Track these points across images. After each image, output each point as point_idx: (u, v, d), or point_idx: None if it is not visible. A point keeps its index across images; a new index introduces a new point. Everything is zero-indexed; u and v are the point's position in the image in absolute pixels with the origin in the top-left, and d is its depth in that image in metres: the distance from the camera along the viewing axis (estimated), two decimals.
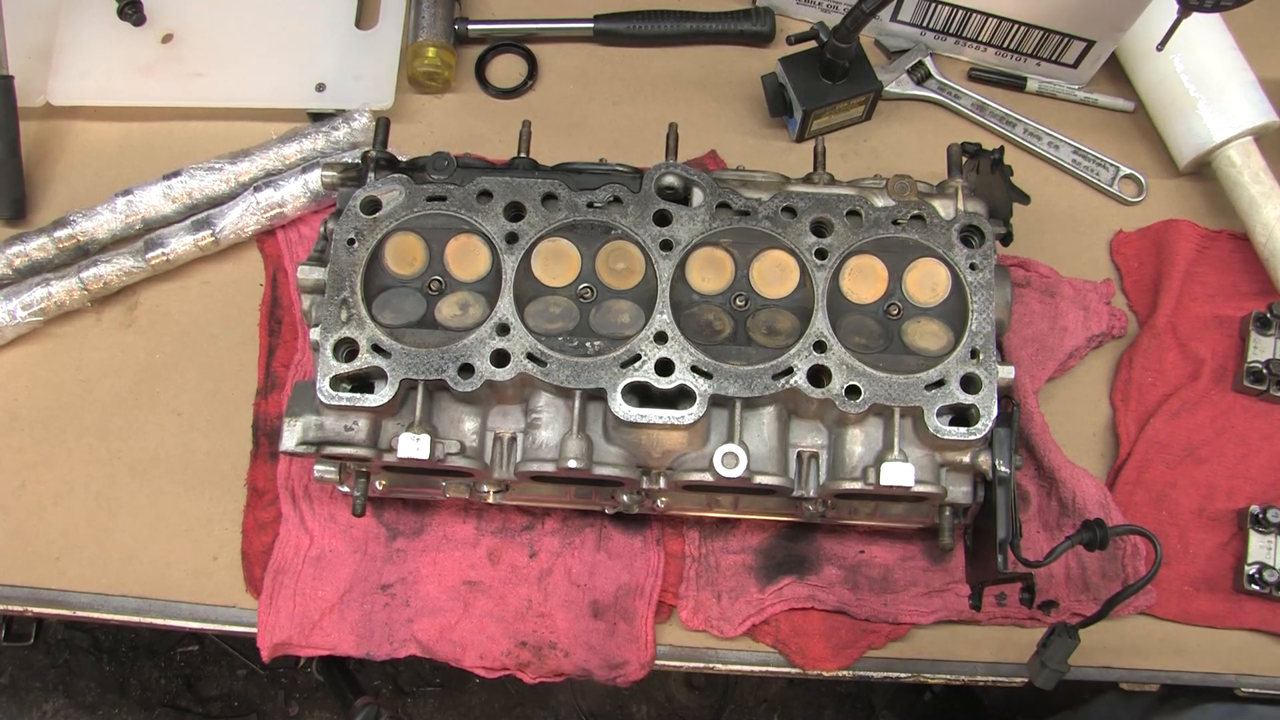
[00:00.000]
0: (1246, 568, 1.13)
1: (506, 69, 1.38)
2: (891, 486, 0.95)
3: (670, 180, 1.04)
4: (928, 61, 1.35)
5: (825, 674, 1.12)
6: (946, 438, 0.96)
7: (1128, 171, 1.32)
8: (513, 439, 1.02)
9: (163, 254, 1.21)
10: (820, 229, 1.02)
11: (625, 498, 1.05)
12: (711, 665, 1.14)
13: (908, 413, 0.97)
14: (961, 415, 0.97)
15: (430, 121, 1.34)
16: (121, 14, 1.31)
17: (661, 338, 0.97)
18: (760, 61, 1.36)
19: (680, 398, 0.97)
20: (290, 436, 1.00)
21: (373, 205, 1.02)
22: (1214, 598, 1.14)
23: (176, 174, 1.24)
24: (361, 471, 1.03)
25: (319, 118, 1.30)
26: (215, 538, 1.16)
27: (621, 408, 0.95)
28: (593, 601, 1.13)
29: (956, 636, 1.13)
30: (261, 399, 1.20)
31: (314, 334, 0.99)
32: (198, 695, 2.19)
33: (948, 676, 1.14)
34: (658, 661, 1.12)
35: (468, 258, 1.02)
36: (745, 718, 2.18)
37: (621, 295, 1.01)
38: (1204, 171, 1.31)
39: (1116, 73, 1.35)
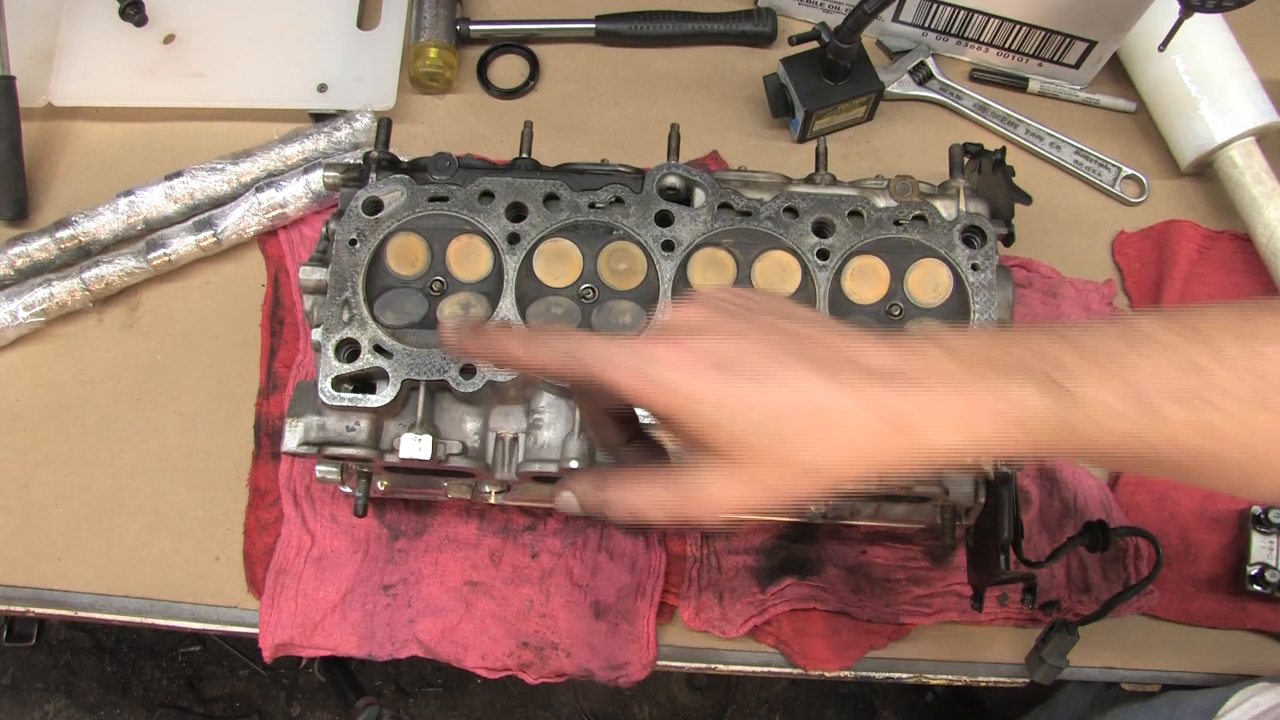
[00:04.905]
0: (1248, 568, 1.12)
1: (508, 69, 1.38)
2: (893, 487, 0.95)
3: (672, 181, 1.04)
4: (929, 62, 1.35)
5: (827, 674, 1.12)
6: None
7: (1129, 172, 1.32)
8: (515, 439, 1.02)
9: (165, 254, 1.21)
10: (822, 229, 1.02)
11: None
12: (713, 666, 1.14)
13: None
14: None
15: (432, 122, 1.34)
16: (123, 14, 1.31)
17: None
18: (762, 62, 1.36)
19: None
20: (292, 437, 1.00)
21: (374, 206, 1.02)
22: (1215, 598, 1.14)
23: (178, 174, 1.24)
24: (363, 472, 1.03)
25: (321, 118, 1.30)
26: (217, 538, 1.16)
27: None
28: (594, 602, 1.13)
29: (958, 637, 1.13)
30: (263, 399, 1.20)
31: (316, 334, 0.99)
32: (199, 696, 2.19)
33: (949, 677, 1.14)
34: (660, 662, 1.12)
35: (469, 258, 1.02)
36: (747, 718, 2.18)
37: (623, 295, 1.01)
38: (1206, 172, 1.31)
39: (1118, 73, 1.35)
